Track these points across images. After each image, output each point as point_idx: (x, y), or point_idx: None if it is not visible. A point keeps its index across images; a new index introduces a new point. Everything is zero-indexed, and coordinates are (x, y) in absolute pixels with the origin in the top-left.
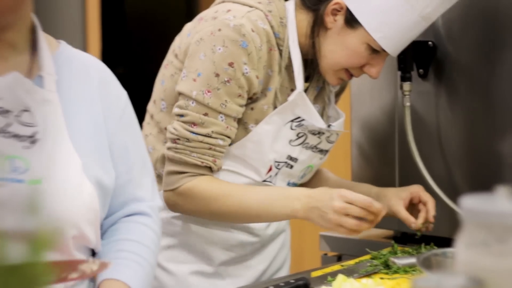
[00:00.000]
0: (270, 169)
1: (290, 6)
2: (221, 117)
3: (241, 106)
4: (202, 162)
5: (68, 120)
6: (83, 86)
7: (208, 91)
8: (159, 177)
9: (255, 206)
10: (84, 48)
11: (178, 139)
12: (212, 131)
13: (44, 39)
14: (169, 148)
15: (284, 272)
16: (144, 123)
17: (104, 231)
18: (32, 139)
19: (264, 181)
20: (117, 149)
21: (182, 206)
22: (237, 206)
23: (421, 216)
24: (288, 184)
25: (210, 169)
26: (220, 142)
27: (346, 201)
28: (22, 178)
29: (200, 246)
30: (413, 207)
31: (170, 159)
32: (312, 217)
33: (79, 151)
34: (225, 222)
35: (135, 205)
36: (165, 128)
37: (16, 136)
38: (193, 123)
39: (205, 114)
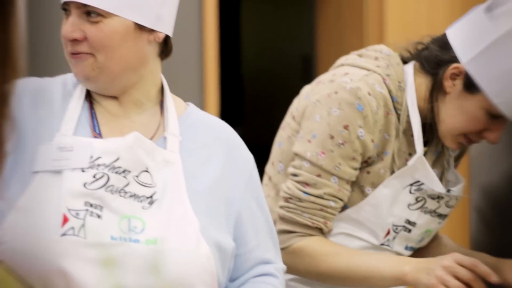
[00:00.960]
0: (388, 233)
1: (409, 70)
2: (334, 179)
3: (354, 169)
4: (313, 223)
5: (188, 181)
6: (207, 149)
7: (322, 153)
8: None
9: (363, 266)
10: (202, 108)
11: (291, 198)
12: (324, 193)
13: (171, 100)
14: (281, 207)
15: None
16: (262, 185)
17: None
18: (150, 200)
19: (382, 244)
20: (245, 214)
21: (291, 265)
22: (345, 266)
23: None
24: (406, 248)
25: (320, 230)
26: (332, 204)
27: (456, 261)
28: (138, 238)
29: None
30: None
31: (282, 218)
32: (420, 278)
33: (198, 212)
34: (333, 285)
35: (263, 267)
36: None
37: (134, 196)
38: (306, 184)
39: (318, 175)
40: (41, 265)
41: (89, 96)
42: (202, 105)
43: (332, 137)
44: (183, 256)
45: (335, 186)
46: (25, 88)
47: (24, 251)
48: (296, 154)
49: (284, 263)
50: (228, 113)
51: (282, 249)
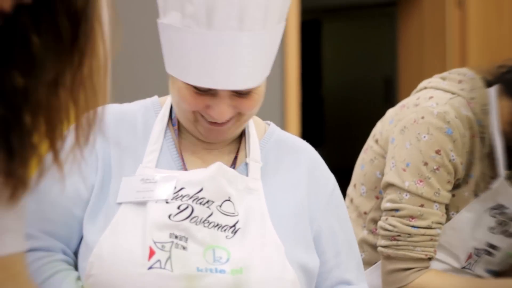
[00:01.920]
0: (469, 256)
1: (493, 93)
2: (436, 206)
3: (449, 192)
4: (426, 255)
5: (271, 206)
6: (289, 171)
7: (420, 181)
8: None
9: None
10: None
11: (399, 235)
12: (432, 222)
13: (252, 123)
14: (387, 246)
15: None
16: None
17: None
18: (233, 229)
19: (463, 268)
20: (325, 234)
21: None
22: None
23: None
24: (487, 271)
25: (430, 259)
26: (438, 231)
27: None
28: (224, 268)
29: None
30: None
31: (392, 257)
32: None
33: (282, 237)
34: None
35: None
36: (364, 213)
37: (217, 225)
38: (411, 217)
39: (422, 205)
40: None
41: (170, 121)
42: (283, 127)
43: (426, 164)
44: (269, 284)
45: (439, 212)
46: (108, 118)
47: (111, 284)
48: (391, 185)
49: None
50: (308, 135)
51: (400, 287)
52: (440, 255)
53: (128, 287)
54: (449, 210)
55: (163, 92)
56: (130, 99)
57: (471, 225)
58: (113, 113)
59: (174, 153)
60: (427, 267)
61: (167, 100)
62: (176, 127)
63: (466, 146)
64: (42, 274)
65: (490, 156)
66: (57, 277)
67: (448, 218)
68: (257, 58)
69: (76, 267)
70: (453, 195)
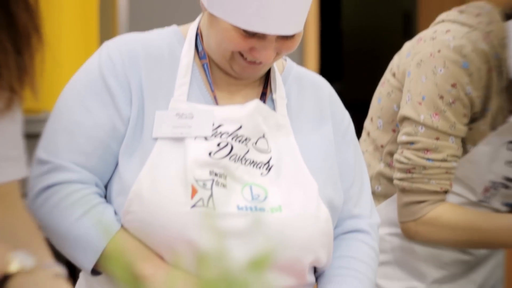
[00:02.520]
0: (486, 190)
1: (511, 26)
2: (452, 139)
3: (465, 125)
4: (441, 188)
5: (301, 143)
6: (313, 107)
7: (436, 114)
8: (373, 194)
9: (505, 235)
10: (302, 64)
11: (414, 168)
12: (447, 155)
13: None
14: (402, 179)
15: None
16: (361, 140)
17: None
18: (267, 165)
19: (480, 201)
20: (339, 168)
21: (425, 235)
22: (485, 235)
23: None
24: (503, 204)
25: (447, 191)
26: (454, 164)
27: None
28: (263, 207)
29: (413, 263)
30: None
31: (407, 190)
32: None
33: (314, 173)
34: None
35: (354, 222)
36: (381, 146)
37: (253, 163)
38: (426, 150)
39: (437, 138)
40: (170, 236)
41: (196, 54)
42: (301, 60)
43: (441, 97)
44: (306, 221)
45: (454, 146)
46: (136, 47)
47: (152, 222)
48: (406, 118)
49: (417, 233)
50: (327, 69)
51: (414, 220)
52: (456, 188)
53: (170, 225)
54: (466, 143)
55: (178, 21)
56: (148, 28)
57: (488, 159)
58: (139, 41)
59: (203, 87)
60: (442, 200)
61: (190, 32)
62: (206, 60)
63: (482, 80)
64: (80, 207)
65: (507, 89)
66: (96, 210)
67: (465, 152)
68: (306, 2)
69: (105, 199)
70: (470, 129)
